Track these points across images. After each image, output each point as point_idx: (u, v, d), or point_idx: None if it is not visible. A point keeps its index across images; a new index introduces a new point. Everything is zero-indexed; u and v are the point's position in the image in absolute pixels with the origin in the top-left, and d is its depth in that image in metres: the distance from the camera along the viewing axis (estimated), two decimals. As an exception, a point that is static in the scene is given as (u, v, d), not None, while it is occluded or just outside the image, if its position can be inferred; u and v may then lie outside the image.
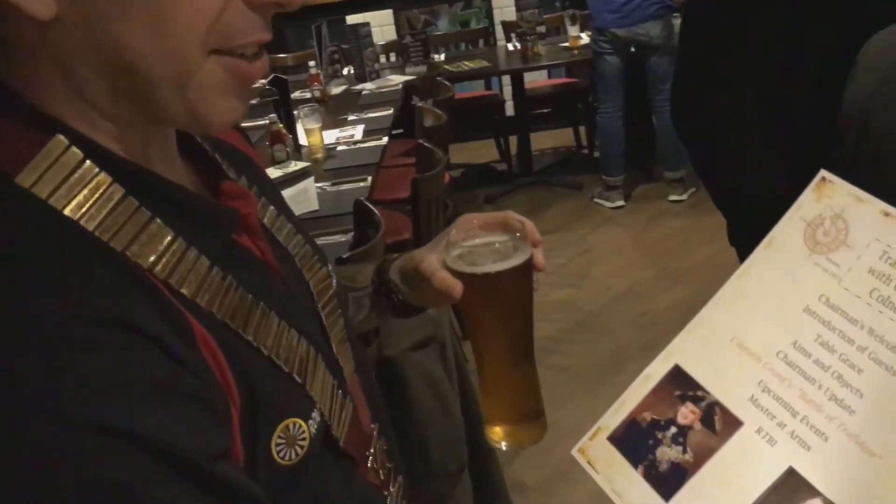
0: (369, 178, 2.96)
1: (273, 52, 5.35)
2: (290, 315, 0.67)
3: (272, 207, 0.77)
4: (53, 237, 0.53)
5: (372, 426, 0.79)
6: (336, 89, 4.41)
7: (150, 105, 0.58)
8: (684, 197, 4.53)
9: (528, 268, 0.80)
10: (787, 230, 0.66)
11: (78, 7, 0.53)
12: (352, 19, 5.39)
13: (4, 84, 0.57)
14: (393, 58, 5.17)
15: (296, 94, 4.28)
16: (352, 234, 2.45)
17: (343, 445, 0.70)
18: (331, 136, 3.51)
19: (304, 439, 0.64)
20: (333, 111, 4.02)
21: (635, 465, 0.65)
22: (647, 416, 0.66)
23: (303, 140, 3.34)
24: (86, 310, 0.50)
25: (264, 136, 3.34)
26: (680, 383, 0.66)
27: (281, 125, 3.25)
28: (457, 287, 0.79)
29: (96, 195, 0.56)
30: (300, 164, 3.12)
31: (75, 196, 0.55)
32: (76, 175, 0.55)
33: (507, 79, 5.46)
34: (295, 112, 3.38)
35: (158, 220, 0.58)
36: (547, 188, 5.04)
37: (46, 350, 0.48)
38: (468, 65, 4.78)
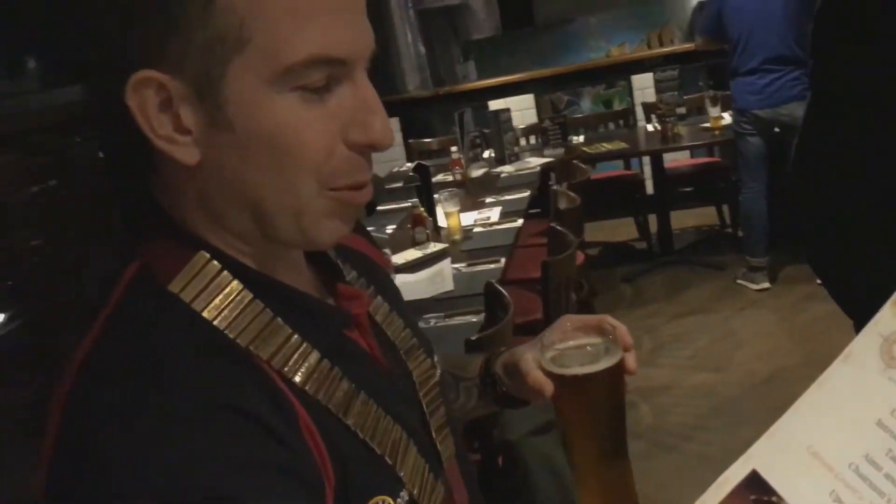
0: (503, 260, 3.05)
1: (418, 137, 5.64)
2: (388, 403, 0.76)
3: (385, 305, 0.87)
4: (191, 335, 0.66)
5: None
6: (476, 172, 4.58)
7: (271, 230, 0.70)
8: (835, 279, 4.33)
9: (617, 371, 0.85)
10: (864, 344, 0.68)
11: (215, 155, 0.66)
12: (494, 105, 5.59)
13: (162, 209, 0.70)
14: (533, 140, 5.31)
15: (438, 178, 4.49)
16: (483, 315, 2.53)
17: None
18: (469, 217, 3.65)
19: None
20: (473, 193, 4.18)
21: None
22: None
23: (442, 222, 3.50)
24: (207, 396, 0.61)
25: (406, 218, 3.52)
26: (757, 489, 0.68)
27: (422, 208, 3.43)
28: (548, 387, 0.85)
29: (229, 300, 0.68)
30: (438, 246, 3.27)
31: (212, 300, 0.67)
32: (214, 283, 0.68)
33: (647, 158, 5.47)
34: (435, 196, 3.55)
35: (279, 319, 0.70)
36: (688, 268, 4.96)
37: (170, 426, 0.60)
38: (606, 146, 4.84)
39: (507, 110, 4.92)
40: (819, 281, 4.28)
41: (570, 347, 0.88)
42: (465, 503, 0.85)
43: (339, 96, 0.67)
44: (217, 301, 0.67)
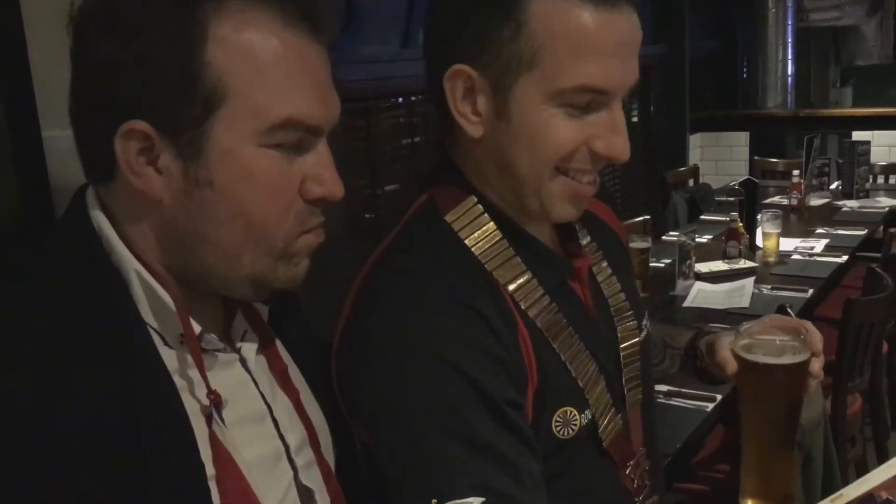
0: (811, 291, 2.96)
1: (766, 156, 5.47)
2: (589, 342, 0.96)
3: (608, 269, 1.06)
4: (454, 253, 0.91)
5: (641, 448, 1.02)
6: (816, 201, 4.37)
7: (519, 200, 0.93)
8: None
9: (798, 369, 0.95)
10: None
11: (493, 136, 0.90)
12: (857, 136, 5.23)
13: (454, 164, 0.96)
14: (892, 180, 4.90)
15: (774, 199, 4.38)
16: (768, 336, 2.53)
17: (606, 447, 0.96)
18: (791, 244, 3.54)
19: (575, 424, 0.92)
20: (805, 221, 4.02)
21: None
22: (884, 494, 0.78)
23: (760, 242, 3.45)
24: (454, 293, 0.87)
25: (723, 230, 3.53)
26: None
27: (740, 224, 3.42)
28: (731, 365, 1.00)
29: (485, 234, 0.93)
30: (748, 264, 3.25)
31: (473, 232, 0.93)
32: (476, 220, 0.93)
33: None
34: (758, 215, 3.51)
35: (518, 258, 0.93)
36: None
37: (425, 308, 0.86)
38: (978, 200, 4.32)
39: (867, 143, 4.59)
40: None
41: (763, 339, 1.00)
42: (640, 444, 1.02)
43: (595, 115, 0.88)
44: (476, 234, 0.93)
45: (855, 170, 4.44)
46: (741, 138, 5.91)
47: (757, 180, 3.59)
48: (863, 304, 2.53)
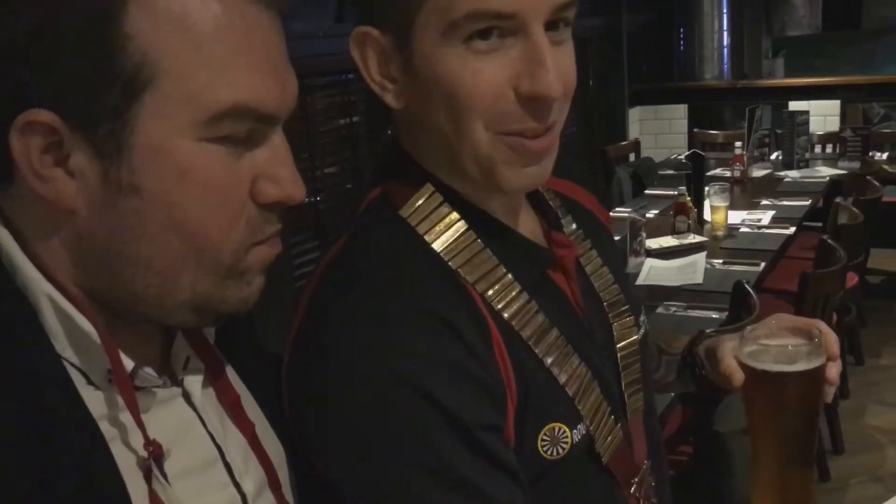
0: (762, 264, 2.94)
1: (705, 128, 5.47)
2: (578, 344, 0.83)
3: (598, 259, 0.94)
4: (413, 253, 0.78)
5: (645, 462, 0.90)
6: (758, 172, 4.38)
7: (460, 170, 0.79)
8: None
9: (813, 376, 0.84)
10: None
11: (411, 104, 0.77)
12: (794, 106, 5.27)
13: (405, 151, 0.83)
14: (829, 149, 4.95)
15: (717, 171, 4.36)
16: (726, 313, 2.48)
17: (606, 463, 0.84)
18: (737, 216, 3.53)
19: (566, 442, 0.79)
20: (748, 193, 4.02)
21: None
22: None
23: (707, 216, 3.42)
24: (416, 302, 0.73)
25: (671, 205, 3.49)
26: None
27: (688, 198, 3.38)
28: (737, 376, 0.88)
29: (447, 227, 0.79)
30: (698, 238, 3.22)
31: (433, 226, 0.79)
32: (435, 212, 0.80)
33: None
34: (706, 188, 3.48)
35: (488, 250, 0.80)
36: None
37: (382, 323, 0.72)
38: (913, 168, 4.39)
39: (806, 113, 4.62)
40: None
41: (771, 344, 0.88)
42: (644, 457, 0.90)
43: (512, 48, 0.73)
44: (437, 228, 0.79)
45: (795, 140, 4.46)
46: (680, 111, 5.89)
47: (702, 153, 3.55)
48: (819, 276, 2.51)
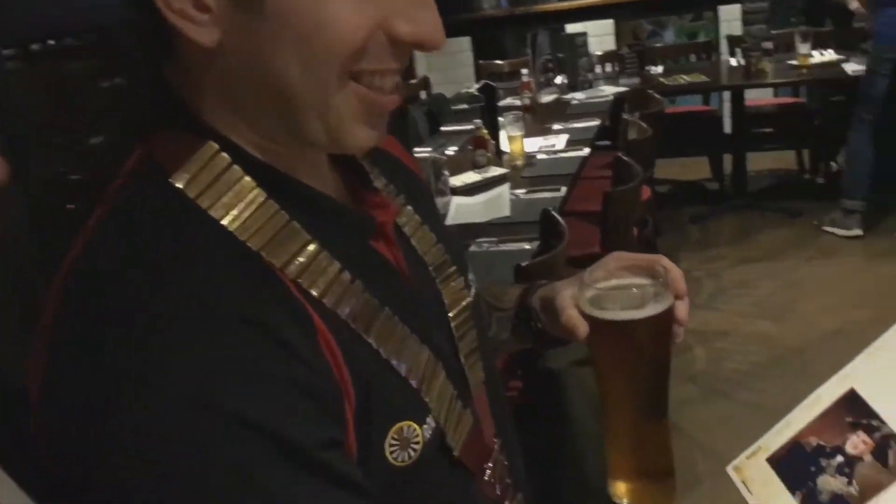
0: (564, 189, 2.95)
1: (489, 59, 5.48)
2: (415, 322, 0.69)
3: (416, 217, 0.80)
4: (196, 237, 0.59)
5: (495, 440, 0.79)
6: (546, 98, 4.43)
7: (296, 127, 0.63)
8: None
9: (663, 319, 0.76)
10: None
11: (238, 35, 0.59)
12: (571, 29, 5.39)
13: (176, 96, 0.64)
14: (609, 68, 5.11)
15: (507, 101, 4.36)
16: (537, 243, 2.46)
17: (458, 455, 0.71)
18: (534, 144, 3.54)
19: (417, 443, 0.66)
20: (540, 119, 4.05)
21: (792, 491, 0.62)
22: (813, 440, 0.64)
23: (505, 146, 3.40)
24: (217, 306, 0.56)
25: (468, 140, 3.44)
26: (854, 409, 0.62)
27: (485, 131, 3.34)
28: (581, 328, 0.77)
29: (240, 198, 0.62)
30: (499, 171, 3.18)
31: (220, 197, 0.61)
32: (223, 179, 0.61)
33: (727, 95, 5.21)
34: (500, 119, 3.45)
35: (295, 224, 0.63)
36: (760, 212, 4.76)
37: (179, 338, 0.54)
38: (685, 78, 4.62)
39: (584, 35, 4.73)
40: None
41: (613, 288, 0.79)
42: (493, 434, 0.79)
43: None
44: (227, 199, 0.61)
45: (577, 62, 4.55)
46: (464, 43, 5.88)
47: (494, 84, 3.51)
48: (620, 193, 2.54)
